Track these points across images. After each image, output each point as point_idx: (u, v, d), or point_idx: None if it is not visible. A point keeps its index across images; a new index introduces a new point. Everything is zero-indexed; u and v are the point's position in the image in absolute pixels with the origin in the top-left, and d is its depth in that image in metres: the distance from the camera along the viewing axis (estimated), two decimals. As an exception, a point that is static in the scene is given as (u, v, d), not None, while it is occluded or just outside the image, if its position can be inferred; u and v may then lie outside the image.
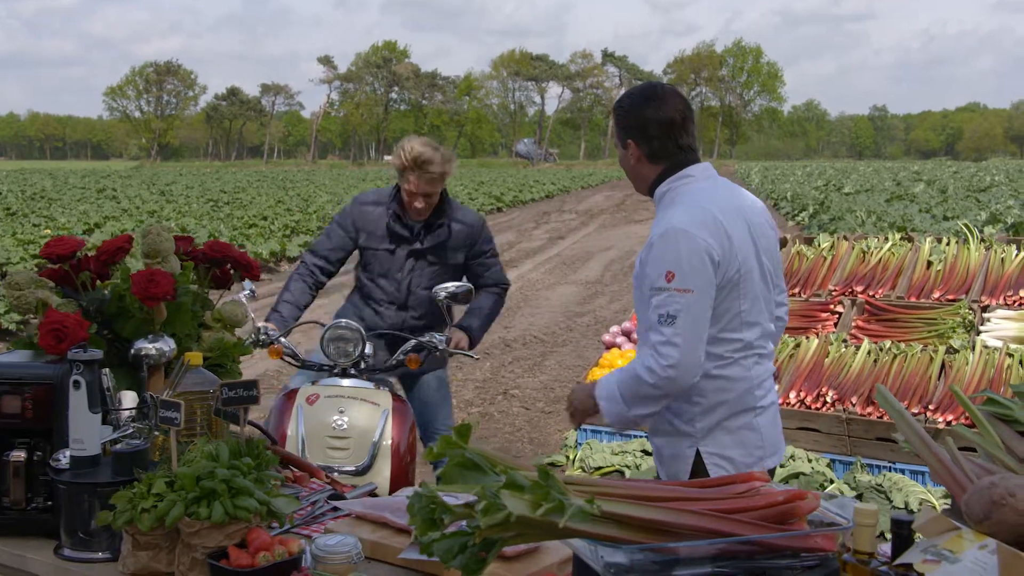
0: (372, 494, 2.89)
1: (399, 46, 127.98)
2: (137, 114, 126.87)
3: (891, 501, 5.71)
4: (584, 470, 6.56)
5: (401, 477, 4.31)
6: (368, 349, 4.51)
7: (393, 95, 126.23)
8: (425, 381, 5.16)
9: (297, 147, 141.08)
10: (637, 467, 6.36)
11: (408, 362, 4.55)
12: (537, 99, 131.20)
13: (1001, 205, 23.89)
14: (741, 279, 3.03)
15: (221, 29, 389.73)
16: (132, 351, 2.80)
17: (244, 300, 4.02)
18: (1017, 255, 6.90)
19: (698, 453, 3.15)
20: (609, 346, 7.31)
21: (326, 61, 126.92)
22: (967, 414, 5.85)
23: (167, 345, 2.81)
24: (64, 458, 2.50)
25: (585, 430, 6.84)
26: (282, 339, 4.53)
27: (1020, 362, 6.06)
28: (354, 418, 4.26)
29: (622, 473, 6.40)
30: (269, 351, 4.51)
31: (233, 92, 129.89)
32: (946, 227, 18.40)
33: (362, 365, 4.53)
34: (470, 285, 4.63)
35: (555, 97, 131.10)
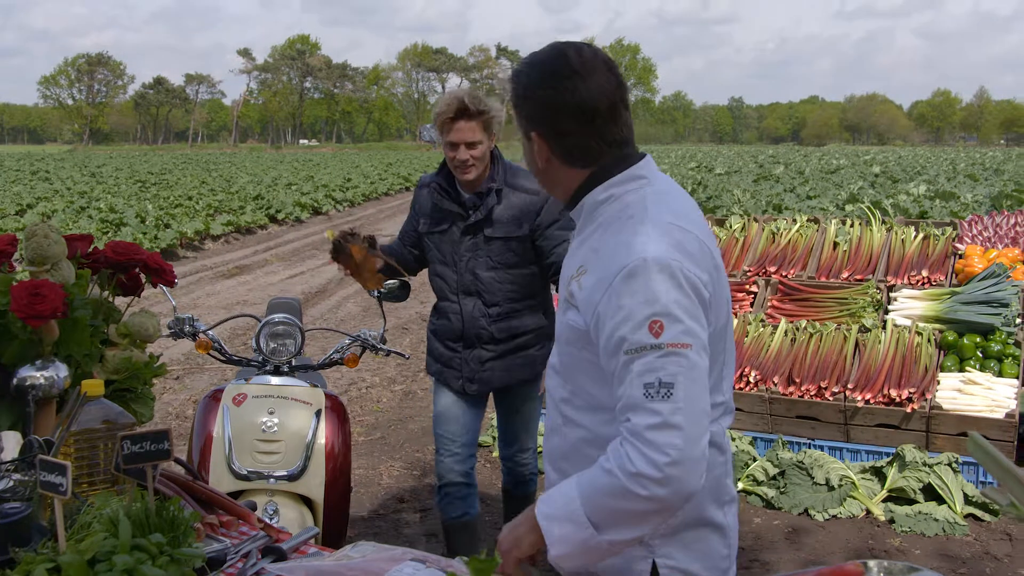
0: (317, 539, 2.17)
1: (312, 39, 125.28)
2: (70, 101, 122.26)
3: (812, 478, 5.19)
4: (512, 451, 5.90)
5: (336, 480, 3.61)
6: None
7: (307, 84, 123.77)
8: (524, 398, 4.09)
9: (219, 132, 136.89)
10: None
11: (347, 361, 3.82)
12: (439, 88, 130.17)
13: (854, 186, 23.92)
14: (728, 321, 2.00)
15: (153, 23, 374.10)
16: (15, 381, 2.01)
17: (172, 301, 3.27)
18: (916, 237, 6.45)
19: (654, 567, 1.96)
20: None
21: (245, 53, 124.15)
22: (883, 393, 5.32)
23: (58, 372, 2.02)
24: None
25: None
26: (209, 332, 3.75)
27: (928, 340, 5.58)
28: (285, 419, 3.54)
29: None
30: (196, 344, 3.75)
31: (159, 81, 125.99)
32: (811, 205, 18.22)
33: (293, 363, 3.80)
34: (407, 280, 3.85)
35: (455, 87, 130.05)
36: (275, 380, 3.72)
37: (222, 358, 3.84)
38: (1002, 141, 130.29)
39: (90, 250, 2.28)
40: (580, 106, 1.88)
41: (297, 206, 22.87)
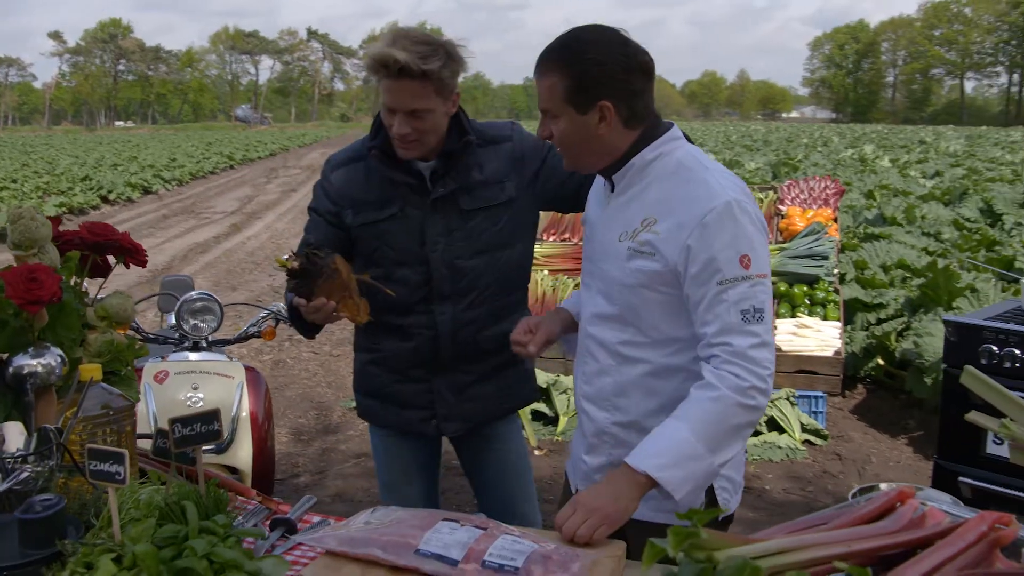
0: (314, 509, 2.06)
1: (124, 23, 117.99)
2: None
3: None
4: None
5: (263, 449, 3.48)
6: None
7: (121, 67, 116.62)
8: (505, 435, 2.74)
9: (31, 115, 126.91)
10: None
11: (264, 334, 3.63)
12: (251, 70, 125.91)
13: (650, 156, 24.70)
14: None
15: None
16: (10, 370, 1.80)
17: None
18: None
19: None
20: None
21: (56, 36, 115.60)
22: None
23: (54, 359, 1.82)
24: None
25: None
26: None
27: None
28: (209, 393, 3.38)
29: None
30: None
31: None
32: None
33: (210, 338, 3.60)
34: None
35: (267, 68, 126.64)
36: (193, 356, 3.54)
37: (139, 337, 3.58)
38: (759, 116, 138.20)
39: (60, 232, 2.06)
40: (643, 66, 1.93)
41: (128, 186, 21.58)
